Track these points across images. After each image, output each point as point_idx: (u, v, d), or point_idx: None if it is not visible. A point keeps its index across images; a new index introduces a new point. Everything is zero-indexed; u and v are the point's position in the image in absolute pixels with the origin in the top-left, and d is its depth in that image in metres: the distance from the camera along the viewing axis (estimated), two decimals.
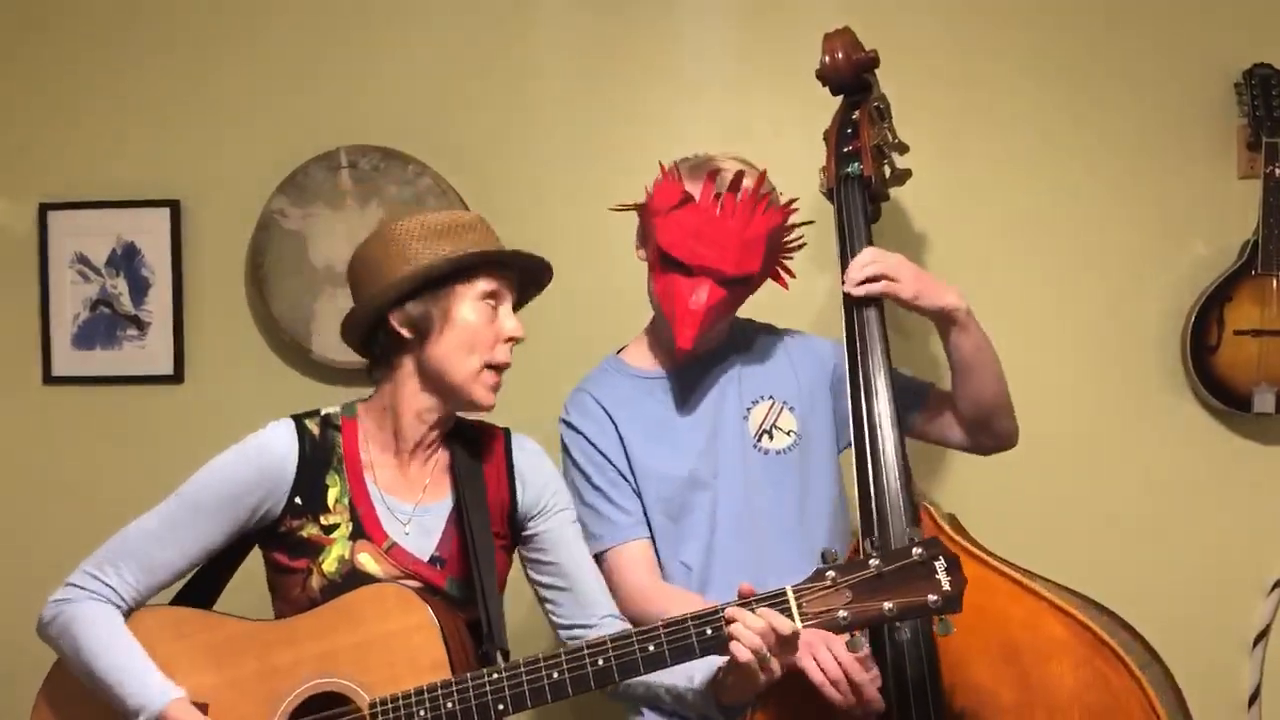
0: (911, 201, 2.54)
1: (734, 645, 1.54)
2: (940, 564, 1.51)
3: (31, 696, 1.76)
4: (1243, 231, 2.53)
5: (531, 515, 1.84)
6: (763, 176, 1.97)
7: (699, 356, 2.03)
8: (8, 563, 2.71)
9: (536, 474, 1.85)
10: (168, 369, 2.72)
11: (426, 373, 1.74)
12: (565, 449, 2.02)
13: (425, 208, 2.58)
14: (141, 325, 2.73)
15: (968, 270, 2.56)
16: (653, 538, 1.99)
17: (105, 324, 2.73)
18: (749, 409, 2.02)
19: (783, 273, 2.05)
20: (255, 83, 2.72)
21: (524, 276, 1.82)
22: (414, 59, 2.69)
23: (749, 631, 1.53)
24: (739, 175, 1.94)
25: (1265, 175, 2.48)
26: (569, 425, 2.02)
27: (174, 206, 2.71)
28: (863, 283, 1.91)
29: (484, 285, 1.73)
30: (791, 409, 2.04)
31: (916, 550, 1.52)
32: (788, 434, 2.02)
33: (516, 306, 1.81)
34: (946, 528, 1.81)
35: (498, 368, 1.75)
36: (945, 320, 1.93)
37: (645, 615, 1.85)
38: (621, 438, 1.99)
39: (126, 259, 2.73)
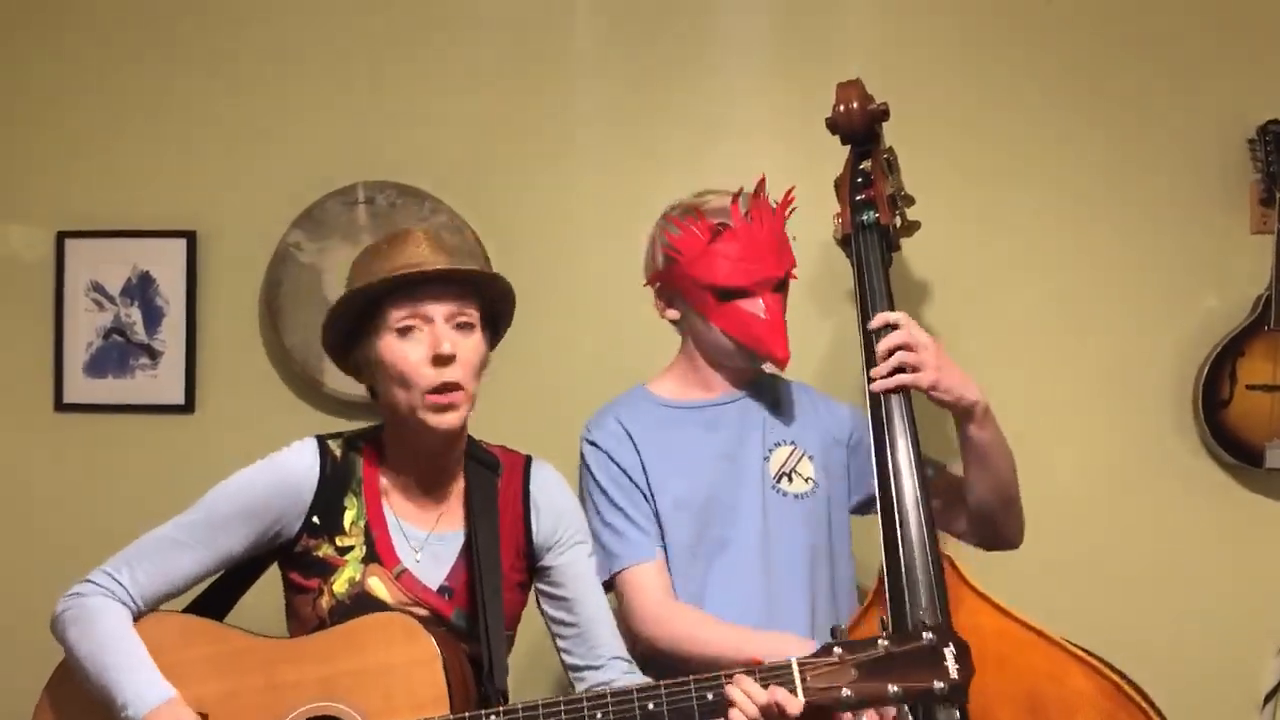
0: (921, 253, 2.55)
1: (733, 714, 1.53)
2: (950, 651, 1.50)
3: None
4: (1255, 286, 2.54)
5: (547, 548, 1.82)
6: (763, 179, 2.02)
7: (731, 392, 2.06)
8: (16, 588, 2.70)
9: (552, 506, 1.83)
10: (179, 399, 2.72)
11: (387, 410, 1.76)
12: (586, 466, 2.03)
13: None
14: (154, 354, 2.74)
15: (978, 322, 2.56)
16: (668, 564, 1.99)
17: (118, 352, 2.74)
18: (771, 450, 2.04)
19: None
20: (274, 116, 2.74)
21: (478, 288, 1.75)
22: (434, 96, 2.71)
23: (750, 703, 1.52)
24: (761, 183, 2.01)
25: (1278, 231, 2.49)
26: (590, 443, 2.03)
27: (190, 237, 2.73)
28: (889, 374, 1.92)
29: (394, 316, 1.69)
30: (811, 458, 2.06)
31: (926, 635, 1.52)
32: (806, 480, 2.04)
33: (494, 323, 1.79)
34: (971, 581, 1.81)
35: (439, 390, 1.69)
36: (962, 414, 1.94)
37: (658, 637, 1.88)
38: (642, 460, 2.00)
39: (141, 288, 2.74)
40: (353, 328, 1.75)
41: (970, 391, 1.92)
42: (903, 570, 1.84)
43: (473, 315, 1.73)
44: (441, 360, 1.68)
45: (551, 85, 2.70)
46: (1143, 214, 2.59)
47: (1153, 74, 2.59)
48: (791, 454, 2.05)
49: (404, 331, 1.70)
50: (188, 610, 1.79)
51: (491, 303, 1.78)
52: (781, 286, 2.02)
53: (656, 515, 2.00)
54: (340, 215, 2.66)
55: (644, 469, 2.00)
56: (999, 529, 2.03)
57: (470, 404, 1.73)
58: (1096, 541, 2.56)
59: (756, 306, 1.98)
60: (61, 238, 2.75)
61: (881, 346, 1.94)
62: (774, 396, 2.10)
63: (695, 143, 2.66)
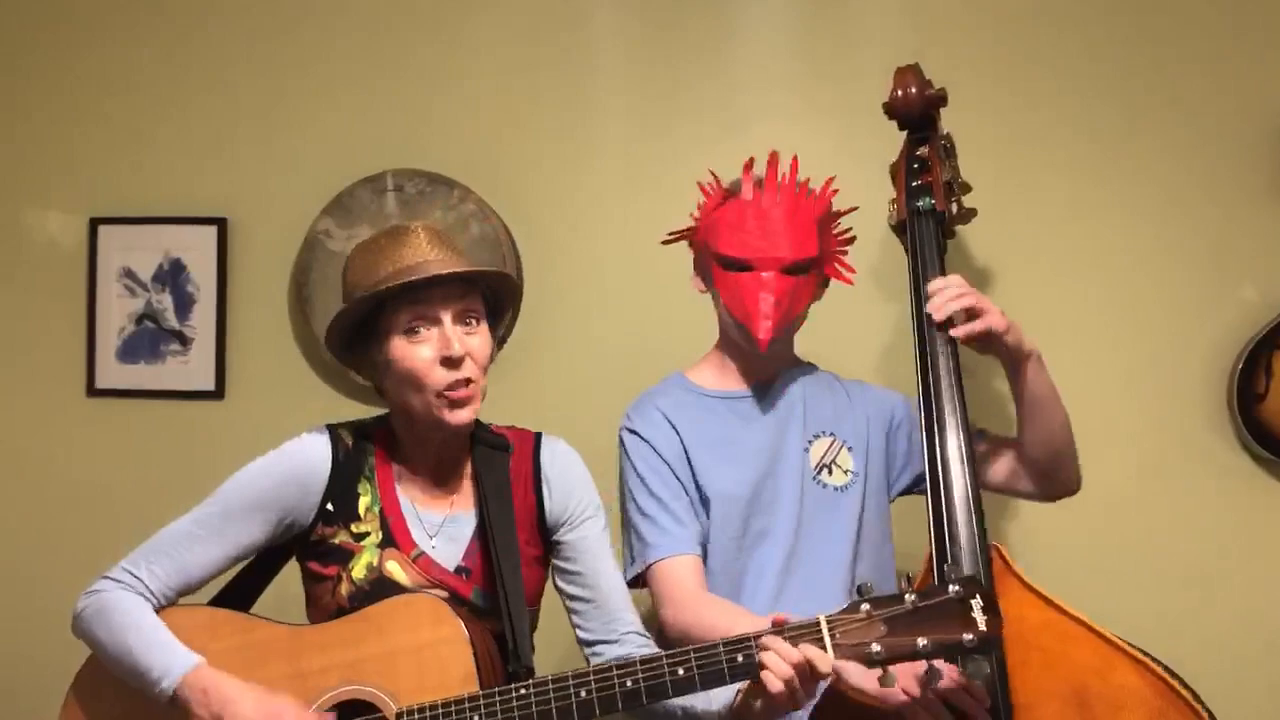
0: (954, 246, 2.52)
1: (766, 675, 1.53)
2: (976, 602, 1.50)
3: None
4: None
5: (560, 524, 1.82)
6: (795, 161, 1.99)
7: (768, 382, 2.05)
8: (47, 571, 2.72)
9: (563, 481, 1.83)
10: (209, 385, 2.74)
11: (398, 408, 1.77)
12: (627, 455, 2.01)
13: (467, 232, 2.61)
14: (185, 341, 2.76)
15: (1013, 315, 2.53)
16: (706, 554, 1.98)
17: (149, 338, 2.76)
18: (811, 441, 2.03)
19: (842, 270, 2.07)
20: (305, 105, 2.75)
21: (483, 281, 1.77)
22: (464, 85, 2.71)
23: (782, 662, 1.52)
24: (773, 156, 1.97)
25: None
26: (632, 432, 2.01)
27: (221, 224, 2.75)
28: (955, 317, 1.90)
29: (402, 319, 1.69)
30: (850, 449, 2.04)
31: (953, 588, 1.51)
32: (846, 472, 2.03)
33: (496, 310, 1.80)
34: (1018, 572, 1.78)
35: (453, 387, 1.69)
36: (1022, 360, 1.93)
37: (694, 624, 1.86)
38: (686, 450, 1.99)
39: (173, 274, 2.76)
40: (358, 328, 1.74)
41: (1027, 339, 1.93)
42: (956, 530, 1.81)
43: (478, 309, 1.74)
44: (451, 363, 1.69)
45: (578, 72, 2.69)
46: (1178, 205, 2.56)
47: (1189, 64, 2.56)
48: (831, 445, 2.04)
49: (412, 332, 1.70)
50: (213, 602, 1.81)
51: (496, 294, 1.79)
52: (798, 270, 1.97)
53: (705, 504, 1.98)
54: (370, 203, 2.66)
55: (688, 459, 1.99)
56: (1058, 476, 2.04)
57: (482, 397, 1.74)
58: (1129, 536, 2.54)
59: (757, 282, 1.94)
60: (94, 224, 2.77)
61: (946, 291, 1.90)
62: (810, 387, 2.09)
63: (723, 127, 2.64)
